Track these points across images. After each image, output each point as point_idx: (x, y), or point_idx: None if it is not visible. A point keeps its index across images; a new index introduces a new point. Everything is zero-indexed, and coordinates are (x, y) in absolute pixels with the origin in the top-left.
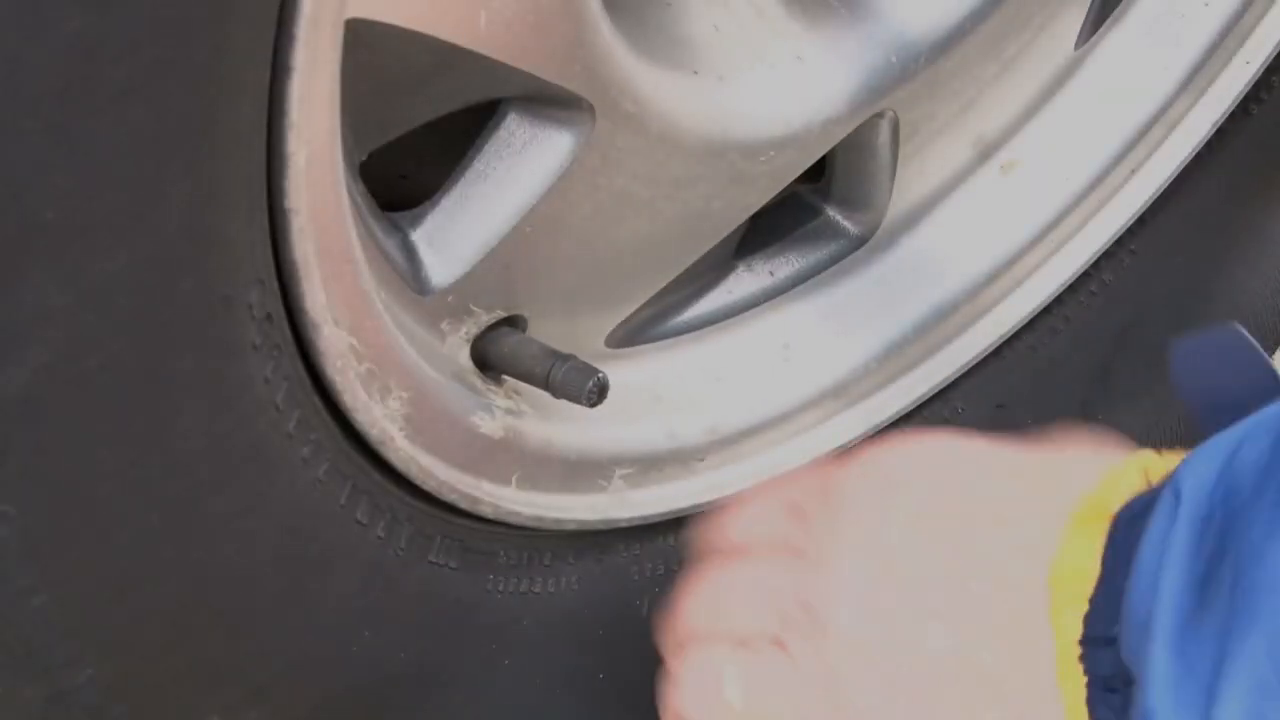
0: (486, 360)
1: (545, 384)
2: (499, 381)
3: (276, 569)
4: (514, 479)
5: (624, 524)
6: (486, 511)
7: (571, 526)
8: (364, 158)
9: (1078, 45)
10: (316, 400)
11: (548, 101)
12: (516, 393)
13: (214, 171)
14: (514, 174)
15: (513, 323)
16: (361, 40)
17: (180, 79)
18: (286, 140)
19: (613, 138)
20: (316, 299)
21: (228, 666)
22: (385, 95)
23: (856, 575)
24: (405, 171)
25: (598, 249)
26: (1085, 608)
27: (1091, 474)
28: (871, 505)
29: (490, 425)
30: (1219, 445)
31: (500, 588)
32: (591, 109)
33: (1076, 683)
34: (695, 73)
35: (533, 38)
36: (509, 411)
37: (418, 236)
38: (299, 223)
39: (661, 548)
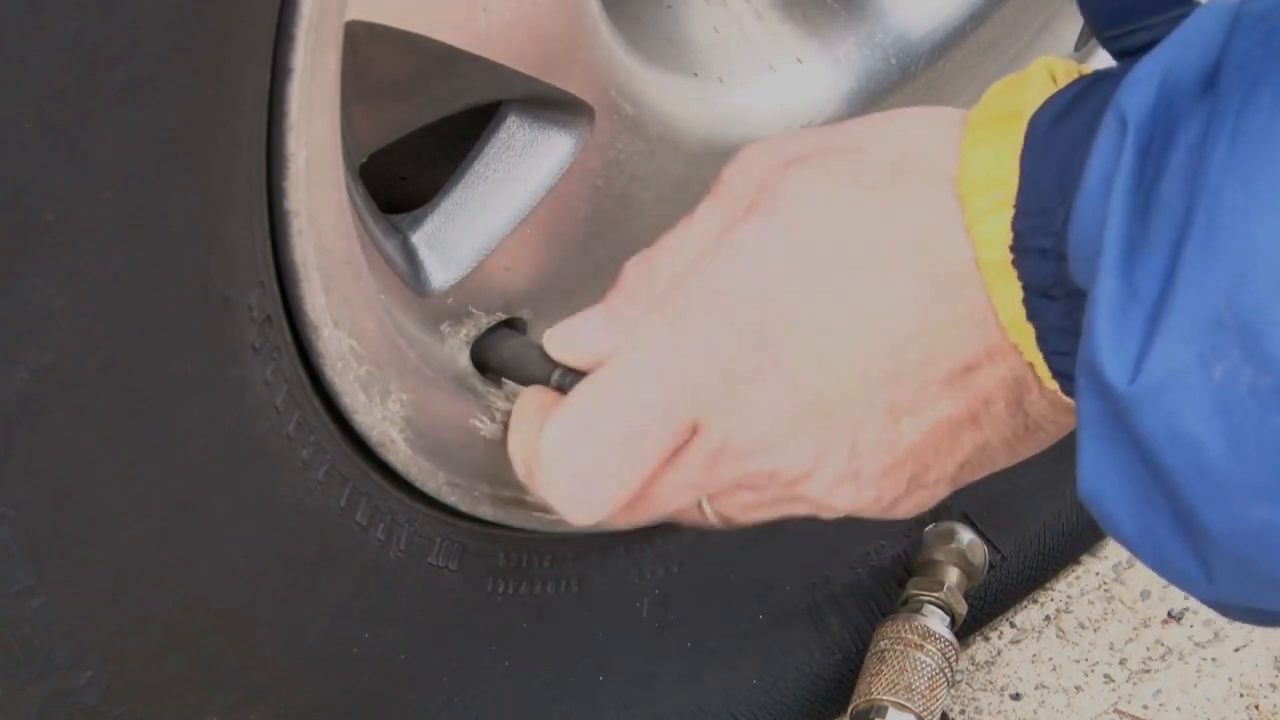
0: (486, 363)
1: (545, 386)
2: (498, 384)
3: (276, 570)
4: (514, 481)
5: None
6: (486, 514)
7: (571, 529)
8: (364, 160)
9: (1078, 47)
10: (316, 402)
11: (548, 104)
12: (516, 395)
13: (214, 173)
14: (514, 176)
15: (512, 325)
16: (361, 42)
17: (180, 80)
18: (286, 142)
19: (613, 140)
20: (316, 301)
21: (227, 668)
22: (385, 97)
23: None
24: (405, 173)
25: (598, 251)
26: (1009, 213)
27: (926, 122)
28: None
29: (490, 428)
30: (1153, 64)
31: (500, 590)
32: (591, 111)
33: (1009, 290)
34: (695, 75)
35: (532, 40)
36: (509, 414)
37: (418, 238)
38: (299, 224)
39: (661, 550)
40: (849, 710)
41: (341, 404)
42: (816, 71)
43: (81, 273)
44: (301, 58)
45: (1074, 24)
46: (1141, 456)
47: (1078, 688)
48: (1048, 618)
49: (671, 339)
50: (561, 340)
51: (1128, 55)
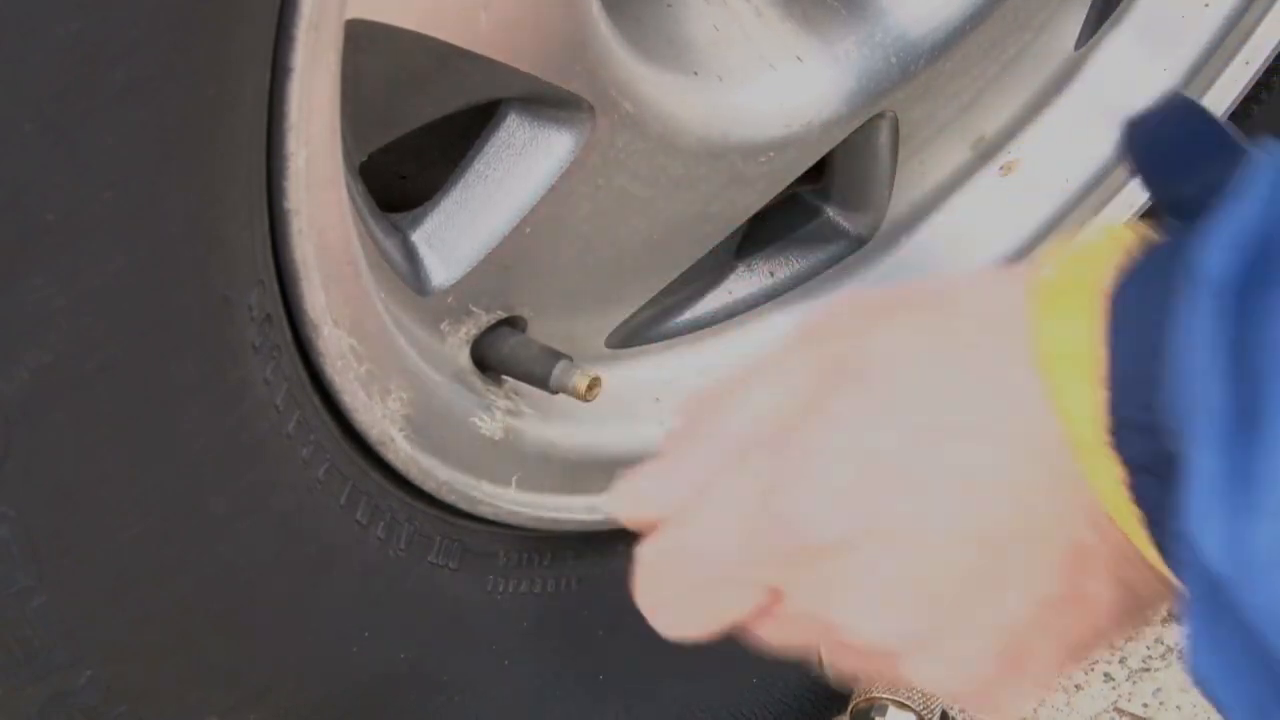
0: (486, 361)
1: (545, 384)
2: (499, 382)
3: (276, 569)
4: (514, 480)
5: (624, 525)
6: (486, 512)
7: (571, 527)
8: (364, 159)
9: (1078, 46)
10: (316, 401)
11: (548, 102)
12: (516, 393)
13: (214, 172)
14: (514, 175)
15: (512, 323)
16: (361, 41)
17: (180, 80)
18: (286, 141)
19: (612, 138)
20: (316, 300)
21: (227, 667)
22: (385, 96)
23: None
24: (405, 172)
25: (598, 250)
26: (1095, 389)
27: (1008, 284)
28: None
29: (490, 426)
30: (1232, 221)
31: (500, 589)
32: (591, 110)
33: (1107, 469)
34: (695, 73)
35: (532, 38)
36: (509, 412)
37: (418, 237)
38: (299, 223)
39: None
40: (849, 709)
41: (341, 403)
42: (817, 70)
43: (81, 273)
44: (301, 57)
45: (1074, 24)
46: (1249, 637)
47: (1078, 686)
48: None
49: (756, 507)
50: (628, 498)
51: (1180, 207)
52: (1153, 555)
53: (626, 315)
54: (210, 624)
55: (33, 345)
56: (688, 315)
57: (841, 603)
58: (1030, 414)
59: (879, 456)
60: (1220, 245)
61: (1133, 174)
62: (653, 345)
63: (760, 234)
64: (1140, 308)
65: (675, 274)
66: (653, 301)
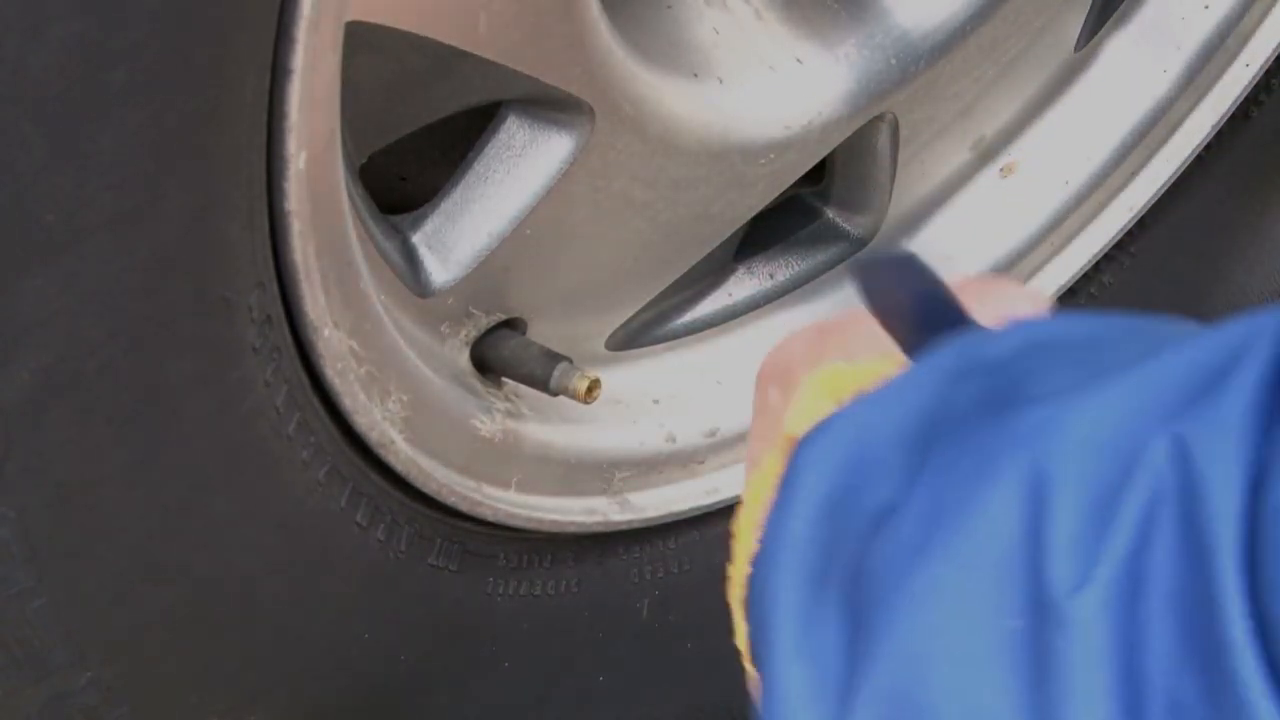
0: (486, 363)
1: (545, 386)
2: (499, 384)
3: (276, 571)
4: (514, 482)
5: (624, 527)
6: (486, 514)
7: (571, 529)
8: (364, 160)
9: (1077, 48)
10: (316, 403)
11: (547, 104)
12: (516, 395)
13: (214, 174)
14: (514, 176)
15: (512, 325)
16: (361, 43)
17: (180, 82)
18: (286, 143)
19: (612, 140)
20: (316, 301)
21: (228, 668)
22: (385, 98)
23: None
24: (405, 174)
25: (597, 252)
26: (754, 545)
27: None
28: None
29: (490, 428)
30: (851, 415)
31: (500, 590)
32: (591, 112)
33: (742, 623)
34: (695, 75)
35: (532, 40)
36: (509, 414)
37: (417, 239)
38: (299, 225)
39: (661, 551)
40: None
41: (342, 404)
42: (817, 72)
43: (81, 273)
44: (301, 58)
45: (1074, 25)
46: None
47: None
48: None
49: None
50: None
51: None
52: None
53: (626, 317)
54: (210, 624)
55: (33, 346)
56: (688, 317)
57: None
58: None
59: None
60: (819, 445)
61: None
62: (653, 347)
63: (760, 236)
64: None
65: (675, 276)
66: (653, 303)
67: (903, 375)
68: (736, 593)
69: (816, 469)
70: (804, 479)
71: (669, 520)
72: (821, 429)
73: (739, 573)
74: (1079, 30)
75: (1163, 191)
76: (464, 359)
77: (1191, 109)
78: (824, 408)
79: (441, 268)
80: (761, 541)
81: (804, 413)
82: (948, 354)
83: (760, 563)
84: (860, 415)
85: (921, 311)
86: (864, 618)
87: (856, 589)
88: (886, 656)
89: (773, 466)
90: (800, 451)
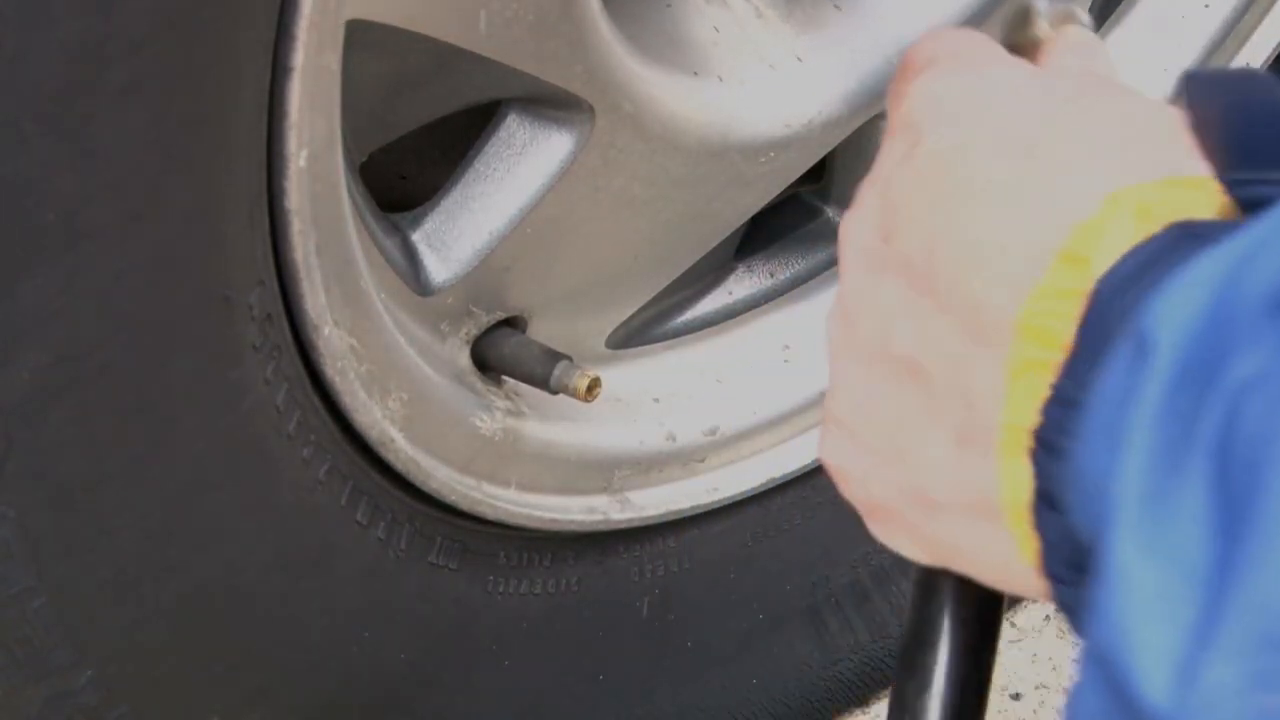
0: (486, 361)
1: (545, 385)
2: (499, 382)
3: (277, 569)
4: (514, 480)
5: (624, 525)
6: (486, 513)
7: (571, 528)
8: (364, 159)
9: None
10: (316, 401)
11: (548, 102)
12: (516, 394)
13: (214, 172)
14: (514, 175)
15: (512, 324)
16: (361, 41)
17: (181, 80)
18: (287, 141)
19: (612, 139)
20: (317, 300)
21: (228, 667)
22: (385, 96)
23: (855, 235)
24: (405, 172)
25: (597, 250)
26: (1046, 391)
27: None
28: (896, 153)
29: (490, 426)
30: (1209, 267)
31: (500, 589)
32: (591, 110)
33: (1019, 477)
34: (695, 74)
35: (533, 39)
36: (509, 413)
37: (418, 237)
38: (299, 223)
39: (661, 549)
40: None
41: (342, 403)
42: (817, 70)
43: (81, 273)
44: (302, 57)
45: None
46: None
47: None
48: (1048, 617)
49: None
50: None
51: (1254, 208)
52: (1047, 590)
53: (627, 316)
54: (210, 624)
55: (33, 345)
56: (688, 316)
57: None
58: (993, 389)
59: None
60: (1178, 286)
61: (1203, 156)
62: (653, 346)
63: (760, 235)
64: (1121, 308)
65: (675, 275)
66: (653, 302)
67: (1265, 222)
68: (1018, 437)
69: (1170, 331)
70: (1160, 340)
71: (669, 519)
72: (1174, 287)
73: (1020, 415)
74: None
75: None
76: (464, 357)
77: None
78: (1127, 230)
79: (442, 266)
80: (1092, 401)
81: (1102, 232)
82: None
83: (1093, 423)
84: (1221, 268)
85: (1267, 134)
86: (1238, 505)
87: (1225, 473)
88: (1265, 565)
89: (1062, 288)
90: (1152, 310)
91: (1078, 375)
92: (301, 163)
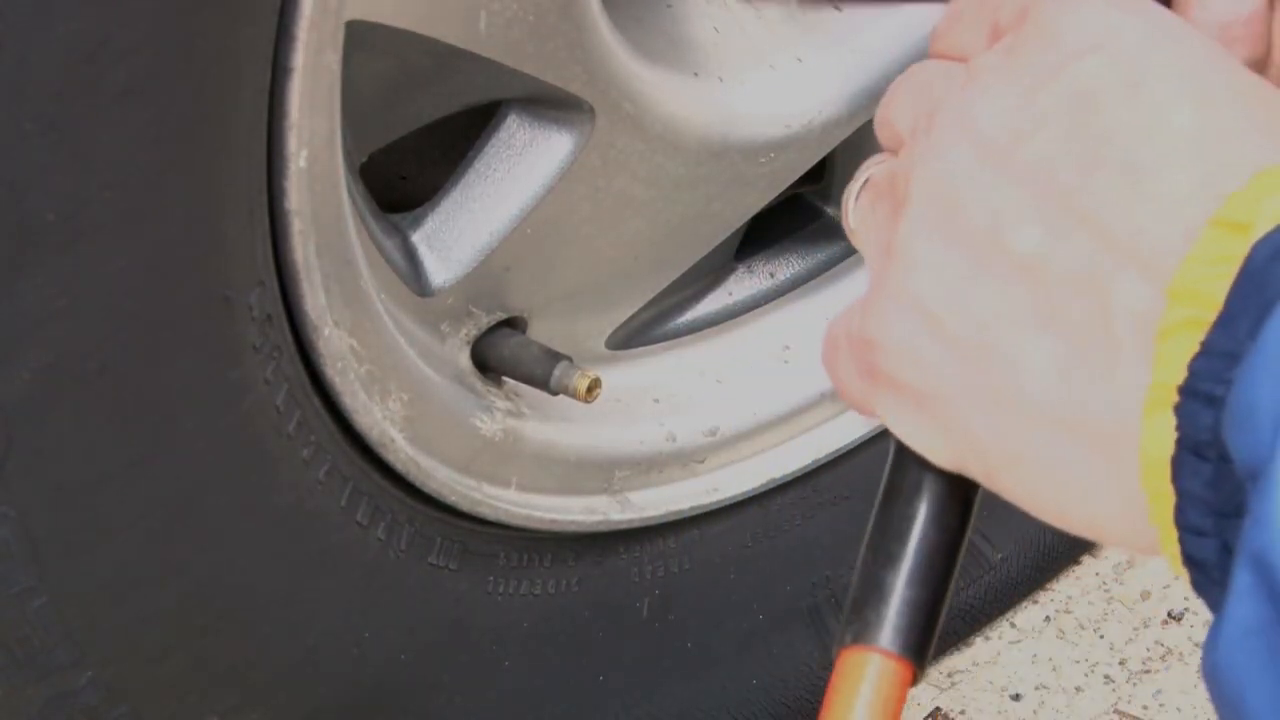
0: (486, 362)
1: (545, 386)
2: (499, 383)
3: (276, 570)
4: (514, 481)
5: (624, 526)
6: (487, 513)
7: (571, 528)
8: (364, 159)
9: None
10: (316, 402)
11: (548, 103)
12: (516, 394)
13: (214, 173)
14: (514, 175)
15: (512, 324)
16: (362, 42)
17: (181, 80)
18: (287, 141)
19: (613, 139)
20: (317, 300)
21: (228, 668)
22: (385, 97)
23: (973, 126)
24: (405, 173)
25: (598, 251)
26: (1195, 347)
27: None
28: (1045, 62)
29: (490, 427)
30: None
31: (500, 589)
32: (591, 110)
33: (1163, 430)
34: (695, 74)
35: (533, 40)
36: (509, 413)
37: (418, 238)
38: (299, 224)
39: (661, 549)
40: None
41: (342, 403)
42: (817, 70)
43: (81, 273)
44: (302, 57)
45: None
46: None
47: (1078, 688)
48: (1048, 618)
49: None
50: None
51: None
52: (1173, 554)
53: (627, 316)
54: (210, 624)
55: (33, 345)
56: (688, 316)
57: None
58: (1137, 320)
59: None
60: None
61: None
62: (653, 346)
63: (761, 235)
64: (1274, 275)
65: (675, 275)
66: (653, 303)
67: None
68: (1164, 394)
69: None
70: None
71: (669, 519)
72: None
73: (1168, 372)
74: None
75: None
76: (464, 358)
77: None
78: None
79: (442, 267)
80: (1265, 338)
81: (1261, 201)
82: None
83: (1265, 360)
84: None
85: None
86: None
87: None
88: None
89: (1216, 252)
90: None
91: (1234, 330)
92: (301, 163)
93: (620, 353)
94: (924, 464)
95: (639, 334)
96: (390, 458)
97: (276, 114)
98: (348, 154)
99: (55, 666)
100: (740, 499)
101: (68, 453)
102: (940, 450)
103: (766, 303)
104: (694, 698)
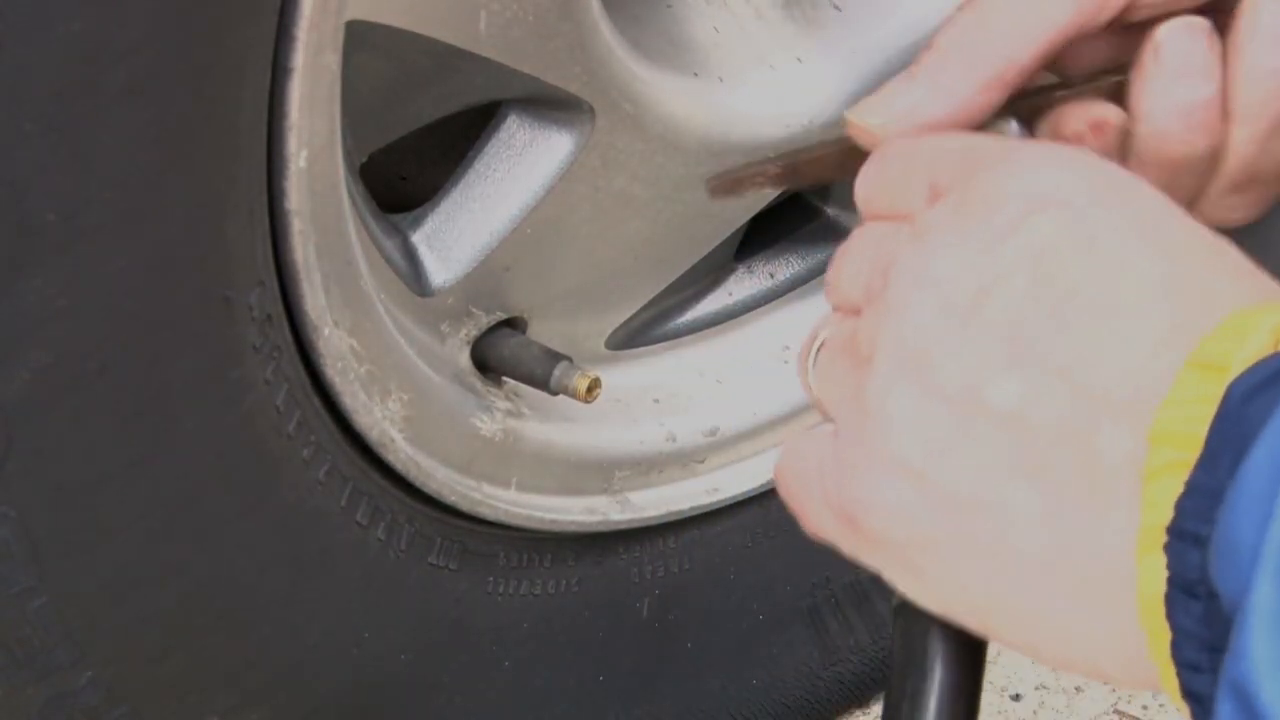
0: (486, 362)
1: (545, 386)
2: (499, 383)
3: (277, 570)
4: (514, 481)
5: (624, 526)
6: (486, 513)
7: (571, 528)
8: (364, 159)
9: None
10: (317, 402)
11: (548, 103)
12: (516, 394)
13: (214, 173)
14: (514, 176)
15: (512, 324)
16: (362, 42)
17: (181, 80)
18: (287, 142)
19: (613, 139)
20: (317, 301)
21: (228, 668)
22: (385, 97)
23: (933, 282)
24: (405, 173)
25: (598, 251)
26: (1180, 487)
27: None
28: (998, 222)
29: (490, 427)
30: None
31: (500, 589)
32: (591, 110)
33: (1155, 569)
34: (695, 74)
35: (533, 40)
36: (509, 413)
37: (418, 238)
38: (299, 224)
39: (661, 549)
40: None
41: (342, 403)
42: (817, 71)
43: (81, 273)
44: (302, 57)
45: None
46: None
47: (1078, 688)
48: None
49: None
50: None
51: None
52: (1173, 688)
53: (627, 316)
54: (210, 624)
55: (33, 345)
56: (688, 317)
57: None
58: (1120, 466)
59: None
60: None
61: None
62: (653, 346)
63: (760, 235)
64: (1251, 412)
65: (675, 275)
66: (653, 303)
67: None
68: (1154, 535)
69: None
70: None
71: (669, 519)
72: None
73: (1156, 514)
74: None
75: None
76: (464, 358)
77: None
78: (1263, 341)
79: (442, 267)
80: (1244, 474)
81: (1240, 342)
82: None
83: (1245, 495)
84: None
85: None
86: None
87: None
88: None
89: (1194, 394)
90: None
91: (1215, 469)
92: (301, 163)
93: (620, 353)
94: (929, 629)
95: (639, 334)
96: (390, 458)
97: (276, 114)
98: (348, 154)
99: (55, 666)
100: (740, 499)
101: (68, 453)
102: (933, 603)
103: (766, 303)
104: (694, 698)
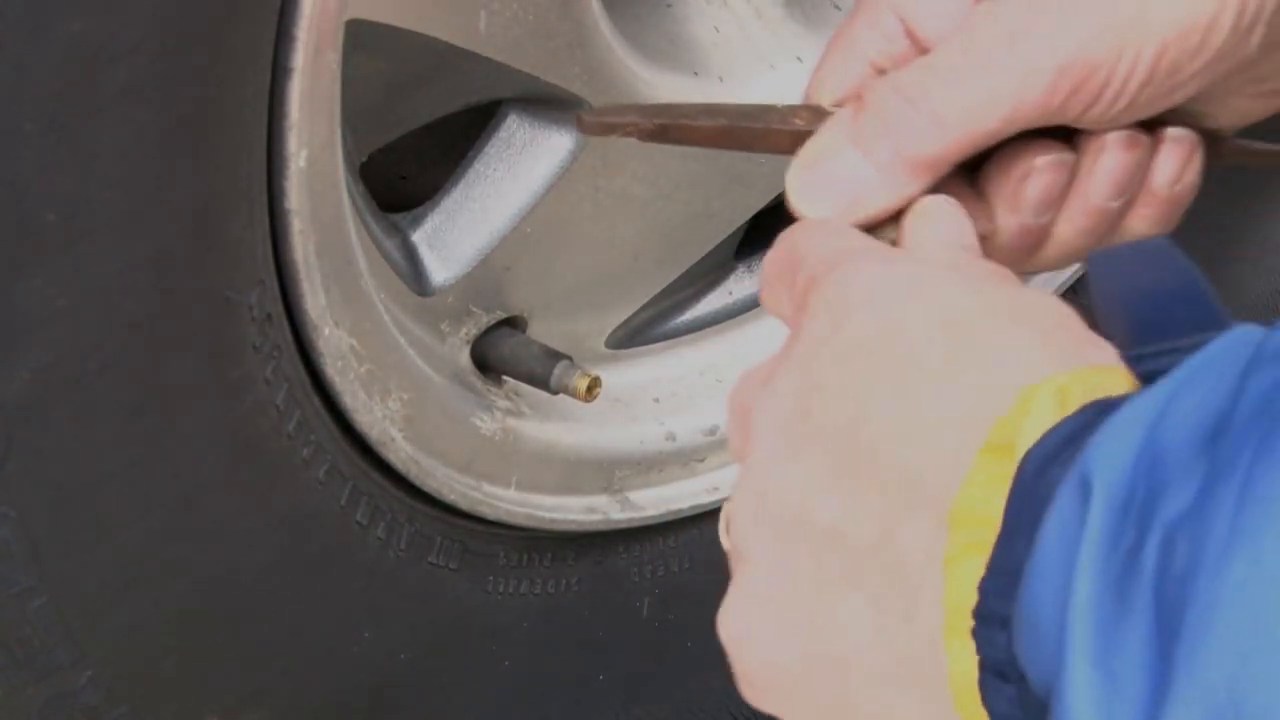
0: (486, 361)
1: (545, 385)
2: (499, 382)
3: (276, 570)
4: (514, 480)
5: (624, 525)
6: (486, 513)
7: (571, 528)
8: (364, 159)
9: None
10: (317, 401)
11: (548, 102)
12: (516, 394)
13: (214, 172)
14: (514, 175)
15: (513, 324)
16: (362, 42)
17: (181, 80)
18: (287, 141)
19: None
20: (317, 300)
21: (228, 668)
22: (385, 96)
23: (769, 414)
24: (405, 173)
25: (598, 250)
26: (981, 569)
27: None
28: (818, 334)
29: (490, 426)
30: (1136, 413)
31: (500, 589)
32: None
33: (965, 655)
34: (695, 74)
35: (533, 39)
36: (509, 412)
37: (418, 237)
38: (299, 224)
39: (661, 549)
40: None
41: (342, 403)
42: None
43: (81, 273)
44: (302, 57)
45: None
46: None
47: None
48: None
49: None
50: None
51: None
52: None
53: (627, 316)
54: (210, 624)
55: (33, 345)
56: (688, 316)
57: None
58: (926, 558)
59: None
60: (1112, 432)
61: (1094, 312)
62: (653, 346)
63: (760, 235)
64: (1044, 484)
65: (676, 274)
66: (653, 302)
67: (1189, 367)
68: (960, 620)
69: (1109, 471)
70: (1099, 481)
71: (669, 519)
72: (1108, 432)
73: (960, 598)
74: None
75: None
76: (464, 357)
77: None
78: (1047, 415)
79: (442, 266)
80: (1038, 551)
81: (1024, 420)
82: (1233, 347)
83: (1040, 572)
84: (1147, 413)
85: (1166, 306)
86: (1175, 625)
87: (1163, 600)
88: (1206, 657)
89: (988, 476)
90: (1090, 455)
91: (1014, 547)
92: (301, 163)
93: (620, 352)
94: None
95: (639, 334)
96: (390, 457)
97: (276, 114)
98: (348, 154)
99: (55, 666)
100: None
101: (68, 453)
102: None
103: None
104: (694, 698)
